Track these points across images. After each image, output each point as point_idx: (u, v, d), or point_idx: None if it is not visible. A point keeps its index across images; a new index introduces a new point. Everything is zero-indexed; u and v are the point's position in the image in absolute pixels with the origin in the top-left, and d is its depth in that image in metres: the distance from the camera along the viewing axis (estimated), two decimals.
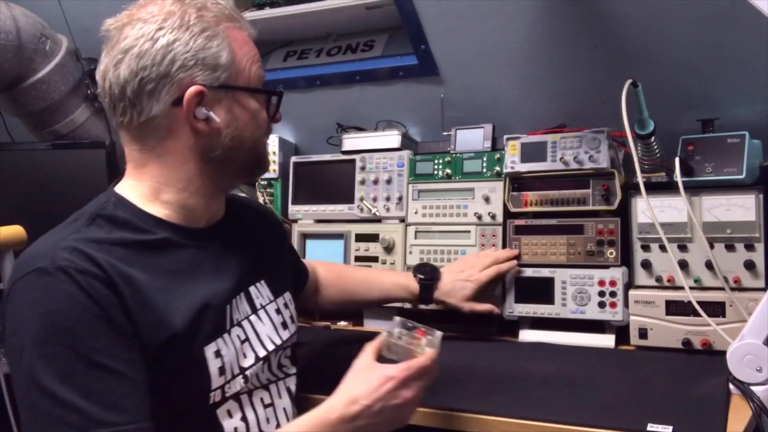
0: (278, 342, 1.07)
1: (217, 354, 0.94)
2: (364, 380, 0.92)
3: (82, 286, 0.82)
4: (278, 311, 1.11)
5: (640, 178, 1.34)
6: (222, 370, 0.94)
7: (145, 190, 0.97)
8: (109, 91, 0.95)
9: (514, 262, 1.52)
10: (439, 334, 1.01)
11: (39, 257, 0.85)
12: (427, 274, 1.48)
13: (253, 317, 1.04)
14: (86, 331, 0.81)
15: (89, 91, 2.08)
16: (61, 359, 0.80)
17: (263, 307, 1.07)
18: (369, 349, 0.96)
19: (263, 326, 1.05)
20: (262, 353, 1.03)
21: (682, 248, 1.39)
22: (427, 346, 0.98)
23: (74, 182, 1.94)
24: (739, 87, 1.55)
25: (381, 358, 0.97)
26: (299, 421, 0.91)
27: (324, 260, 1.58)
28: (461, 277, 1.48)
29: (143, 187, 0.97)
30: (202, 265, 0.98)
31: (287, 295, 1.15)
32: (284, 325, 1.11)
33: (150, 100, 0.93)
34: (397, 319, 1.01)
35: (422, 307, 1.53)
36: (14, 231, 1.27)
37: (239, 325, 1.00)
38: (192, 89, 0.92)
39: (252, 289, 1.07)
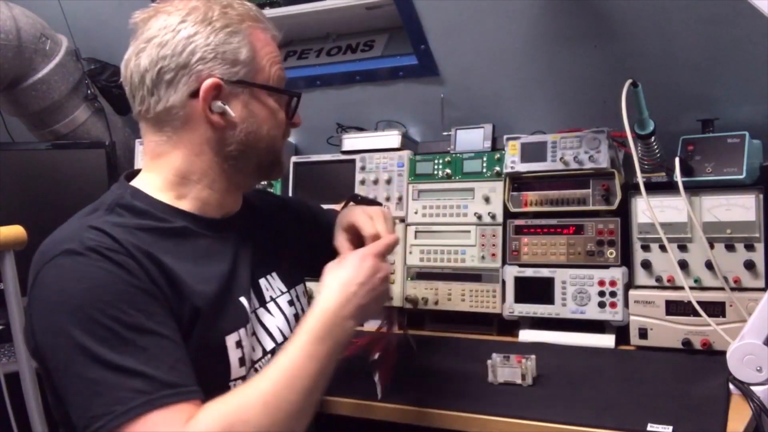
0: (288, 334, 1.07)
1: (238, 344, 0.95)
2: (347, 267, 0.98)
3: (116, 261, 0.84)
4: (291, 303, 1.11)
5: (640, 178, 1.34)
6: (242, 361, 0.95)
7: (160, 182, 0.98)
8: (130, 80, 0.97)
9: None
10: None
11: (65, 241, 0.86)
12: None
13: (260, 310, 1.05)
14: (131, 302, 0.82)
15: (89, 91, 2.09)
16: (114, 331, 0.80)
17: (273, 299, 1.08)
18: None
19: (273, 319, 1.06)
20: (269, 346, 1.03)
21: (682, 248, 1.39)
22: None
23: (74, 182, 1.94)
24: (739, 87, 1.55)
25: None
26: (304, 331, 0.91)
27: None
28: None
29: (159, 178, 0.98)
30: (220, 255, 0.99)
31: (300, 288, 1.16)
32: (296, 317, 1.11)
33: (168, 90, 0.94)
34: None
35: (421, 307, 1.56)
36: (14, 231, 1.27)
37: (248, 318, 1.01)
38: (209, 81, 0.93)
39: (262, 281, 1.07)
